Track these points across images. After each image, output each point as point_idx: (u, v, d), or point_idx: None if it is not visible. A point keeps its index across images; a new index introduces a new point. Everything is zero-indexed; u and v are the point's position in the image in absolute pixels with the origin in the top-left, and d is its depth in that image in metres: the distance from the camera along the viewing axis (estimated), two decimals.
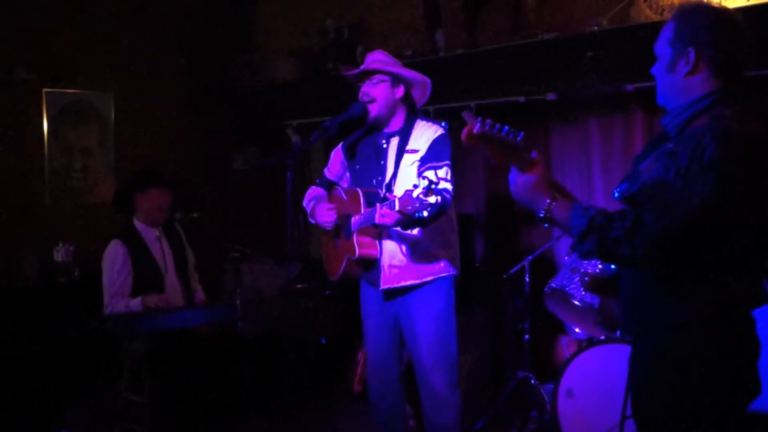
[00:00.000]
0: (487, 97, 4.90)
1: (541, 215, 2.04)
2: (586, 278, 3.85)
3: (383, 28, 5.84)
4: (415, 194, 2.78)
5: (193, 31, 6.44)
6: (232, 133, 6.57)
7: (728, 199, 1.89)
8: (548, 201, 2.03)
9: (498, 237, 5.26)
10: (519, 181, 2.06)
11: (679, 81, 2.10)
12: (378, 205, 3.09)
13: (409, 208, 2.81)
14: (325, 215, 3.46)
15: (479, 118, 2.00)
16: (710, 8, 2.11)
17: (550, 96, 4.61)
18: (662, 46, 2.13)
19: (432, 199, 2.76)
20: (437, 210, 2.89)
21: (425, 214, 2.82)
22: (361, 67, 3.44)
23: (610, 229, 1.92)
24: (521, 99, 4.76)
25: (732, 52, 2.07)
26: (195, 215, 4.56)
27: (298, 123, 6.30)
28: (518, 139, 2.02)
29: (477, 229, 5.27)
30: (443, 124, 3.38)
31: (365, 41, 5.87)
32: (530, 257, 4.38)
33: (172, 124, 6.29)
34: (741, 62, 2.10)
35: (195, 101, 6.46)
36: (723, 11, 2.10)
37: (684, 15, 2.11)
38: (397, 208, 2.88)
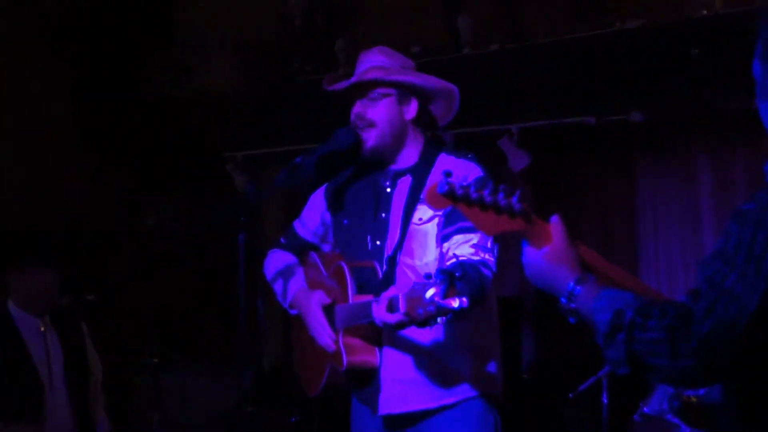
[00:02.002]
0: (538, 116, 4.95)
1: (563, 304, 2.14)
2: (675, 403, 3.93)
3: (377, 10, 5.93)
4: (428, 294, 2.83)
5: (88, 18, 6.47)
6: (146, 170, 6.56)
7: None
8: (571, 284, 2.12)
9: (557, 333, 5.24)
10: (530, 260, 2.19)
11: None
12: (374, 301, 3.12)
13: (420, 312, 2.86)
14: (322, 333, 3.45)
15: (446, 173, 2.12)
16: None
17: (636, 116, 4.70)
18: (755, 63, 2.19)
19: (455, 303, 2.81)
20: (466, 308, 2.90)
21: (440, 320, 2.89)
22: (353, 78, 3.48)
23: (644, 328, 1.95)
24: (590, 120, 4.84)
25: None
26: (90, 298, 4.57)
27: (245, 156, 6.26)
28: (513, 201, 2.14)
29: (525, 321, 5.31)
30: (470, 156, 3.46)
31: (350, 31, 5.93)
32: (609, 366, 4.34)
33: (55, 155, 6.27)
34: None
35: (90, 122, 6.46)
36: None
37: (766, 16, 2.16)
38: (402, 310, 2.93)
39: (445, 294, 2.81)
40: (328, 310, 3.46)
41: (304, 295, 3.56)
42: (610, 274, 2.20)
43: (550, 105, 4.98)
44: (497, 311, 3.57)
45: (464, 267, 3.04)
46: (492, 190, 2.15)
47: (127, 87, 6.62)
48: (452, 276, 2.82)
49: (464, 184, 2.15)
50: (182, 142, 6.52)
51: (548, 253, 2.17)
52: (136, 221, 6.50)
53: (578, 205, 5.45)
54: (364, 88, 3.46)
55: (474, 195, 2.14)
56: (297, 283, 3.64)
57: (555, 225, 2.19)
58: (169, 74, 6.76)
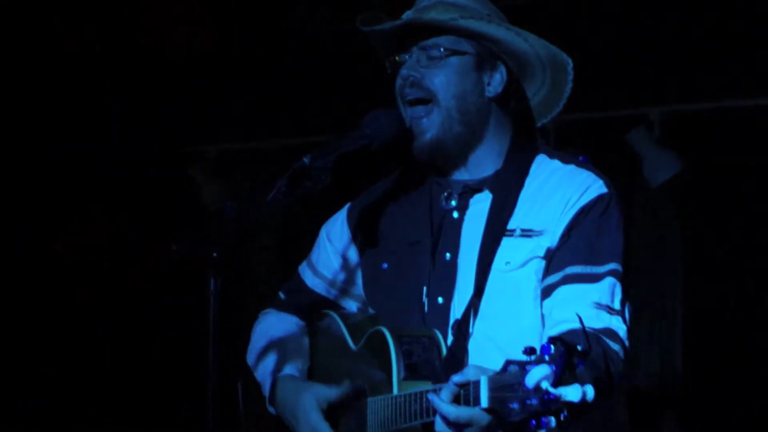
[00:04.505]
0: (691, 96, 5.01)
1: None
2: None
3: None
4: (532, 381, 2.67)
5: None
6: (65, 173, 6.61)
7: None
8: None
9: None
10: None
11: None
12: (434, 390, 3.05)
13: (515, 407, 2.74)
14: None
15: None
16: None
17: None
18: None
19: (574, 395, 2.64)
20: (591, 403, 2.75)
21: (553, 423, 2.73)
22: (406, 14, 3.48)
23: None
24: None
25: None
26: None
27: (220, 151, 6.46)
28: None
29: (666, 423, 5.33)
30: (583, 160, 3.53)
31: None
32: None
33: None
34: None
35: None
36: None
37: None
38: (484, 404, 2.81)
39: (559, 379, 2.63)
40: (356, 408, 3.50)
41: (290, 388, 3.59)
42: None
43: (711, 77, 4.92)
44: (627, 410, 3.63)
45: (588, 337, 2.90)
46: None
47: (43, 46, 6.66)
48: (572, 350, 2.67)
49: None
50: (122, 128, 6.55)
51: None
52: (48, 249, 6.49)
53: (757, 236, 5.46)
54: (420, 37, 3.43)
55: None
56: (291, 366, 3.68)
57: None
58: (108, 28, 6.73)
